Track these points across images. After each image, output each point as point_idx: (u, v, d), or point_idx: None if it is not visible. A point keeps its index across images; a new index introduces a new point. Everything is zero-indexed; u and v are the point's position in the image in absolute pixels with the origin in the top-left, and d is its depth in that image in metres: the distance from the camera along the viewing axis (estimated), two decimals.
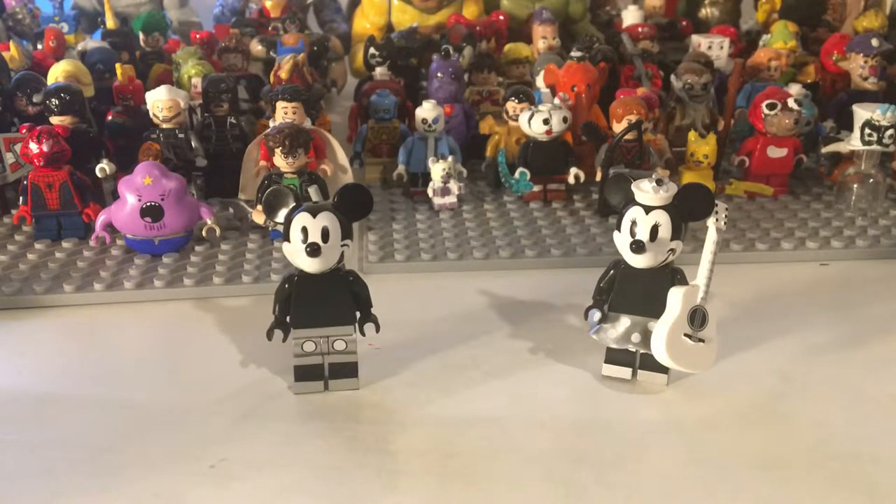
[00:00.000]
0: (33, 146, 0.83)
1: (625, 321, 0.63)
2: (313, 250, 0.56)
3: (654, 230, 0.58)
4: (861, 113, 0.91)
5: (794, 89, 1.04)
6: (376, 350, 0.66)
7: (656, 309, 0.61)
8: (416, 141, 0.98)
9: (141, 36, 1.24)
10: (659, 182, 0.59)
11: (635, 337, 0.62)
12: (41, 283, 0.78)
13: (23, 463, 0.55)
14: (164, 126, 0.93)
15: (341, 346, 0.61)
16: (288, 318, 0.61)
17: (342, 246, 0.58)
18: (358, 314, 0.61)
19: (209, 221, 0.85)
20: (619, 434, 0.58)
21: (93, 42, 1.18)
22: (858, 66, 1.09)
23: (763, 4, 1.47)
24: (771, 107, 0.94)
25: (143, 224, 0.81)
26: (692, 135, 0.97)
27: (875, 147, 0.91)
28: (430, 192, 0.94)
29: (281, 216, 0.59)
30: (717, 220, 0.58)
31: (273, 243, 0.86)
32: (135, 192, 0.80)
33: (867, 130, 0.91)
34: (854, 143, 0.93)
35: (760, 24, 1.46)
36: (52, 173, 0.85)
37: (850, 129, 0.94)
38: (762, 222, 0.91)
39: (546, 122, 0.92)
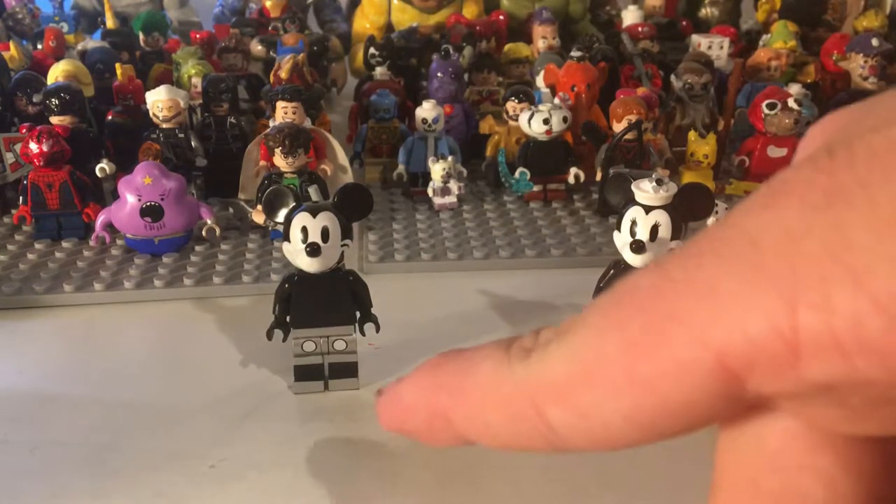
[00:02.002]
0: (33, 146, 0.83)
1: None
2: (313, 250, 0.56)
3: (654, 230, 0.58)
4: None
5: (794, 89, 1.04)
6: (376, 350, 0.66)
7: None
8: (416, 141, 0.98)
9: (141, 36, 1.24)
10: (659, 182, 0.59)
11: None
12: (41, 283, 0.78)
13: (22, 463, 0.55)
14: (164, 126, 0.93)
15: (341, 346, 0.61)
16: (288, 318, 0.61)
17: (342, 246, 0.58)
18: (358, 314, 0.61)
19: (209, 221, 0.85)
20: None
21: (93, 42, 1.18)
22: (858, 66, 1.09)
23: (763, 4, 1.47)
24: (771, 107, 0.94)
25: (143, 224, 0.81)
26: (692, 135, 0.97)
27: None
28: (430, 192, 0.94)
29: (281, 216, 0.59)
30: (717, 220, 0.58)
31: (273, 243, 0.86)
32: (135, 192, 0.80)
33: None
34: None
35: (760, 24, 1.46)
36: (52, 173, 0.85)
37: None
38: None
39: (546, 122, 0.92)
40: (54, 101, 0.90)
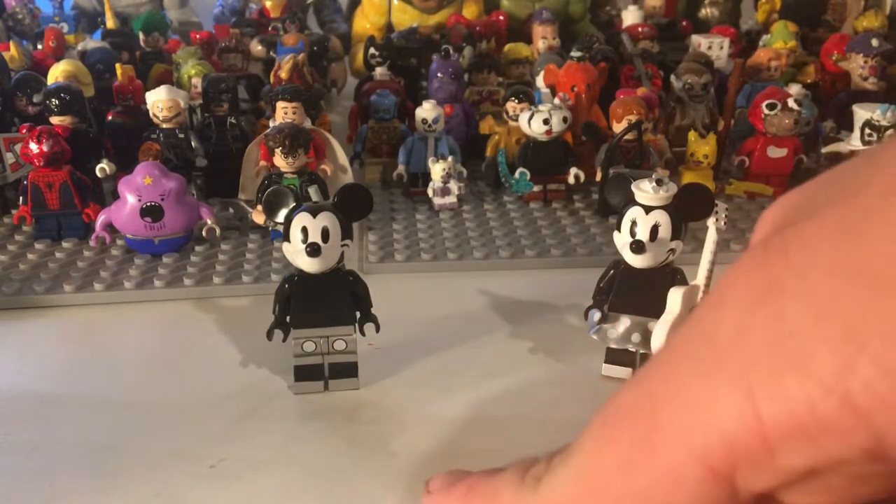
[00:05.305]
0: (33, 146, 0.83)
1: (625, 321, 0.63)
2: (313, 250, 0.56)
3: (654, 230, 0.58)
4: (861, 113, 0.91)
5: (794, 89, 1.04)
6: (376, 350, 0.66)
7: (656, 309, 0.60)
8: (416, 141, 0.98)
9: (141, 36, 1.24)
10: (659, 182, 0.59)
11: (635, 337, 0.62)
12: (41, 283, 0.78)
13: (23, 463, 0.55)
14: (164, 126, 0.93)
15: (341, 346, 0.61)
16: (288, 318, 0.61)
17: (342, 246, 0.58)
18: (358, 314, 0.61)
19: (209, 221, 0.85)
20: None
21: (93, 42, 1.18)
22: (858, 66, 1.09)
23: (763, 4, 1.47)
24: (771, 107, 0.94)
25: (143, 224, 0.81)
26: (692, 135, 0.97)
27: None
28: (430, 192, 0.94)
29: (281, 216, 0.59)
30: (717, 220, 0.58)
31: (273, 243, 0.86)
32: (135, 192, 0.80)
33: (867, 130, 0.91)
34: (854, 143, 0.93)
35: (760, 24, 1.46)
36: (52, 173, 0.85)
37: (850, 129, 0.94)
38: None
39: (546, 122, 0.92)
40: (54, 101, 0.90)
